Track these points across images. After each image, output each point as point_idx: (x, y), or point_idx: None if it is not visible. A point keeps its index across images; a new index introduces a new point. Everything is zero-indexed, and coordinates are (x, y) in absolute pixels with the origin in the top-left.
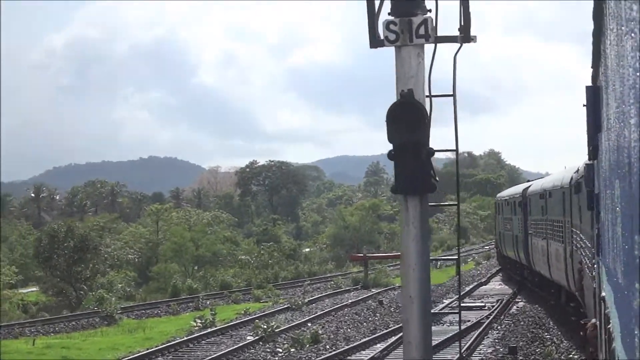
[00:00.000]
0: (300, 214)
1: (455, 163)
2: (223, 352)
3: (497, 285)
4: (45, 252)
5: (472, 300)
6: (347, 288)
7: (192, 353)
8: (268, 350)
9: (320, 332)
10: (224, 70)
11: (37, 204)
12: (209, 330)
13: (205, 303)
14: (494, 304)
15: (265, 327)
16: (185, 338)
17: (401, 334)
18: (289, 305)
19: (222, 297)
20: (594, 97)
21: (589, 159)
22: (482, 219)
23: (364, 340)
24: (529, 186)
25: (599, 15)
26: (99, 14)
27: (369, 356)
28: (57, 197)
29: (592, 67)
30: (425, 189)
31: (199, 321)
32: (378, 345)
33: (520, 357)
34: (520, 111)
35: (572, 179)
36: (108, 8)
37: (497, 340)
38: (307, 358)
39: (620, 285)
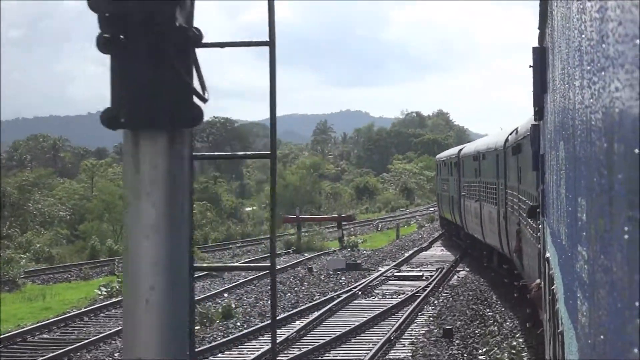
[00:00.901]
0: (245, 171)
1: (271, 148)
2: (116, 329)
3: (438, 252)
4: None
5: (410, 269)
6: (268, 255)
7: (84, 328)
8: None
9: (234, 305)
10: None
11: None
12: (112, 300)
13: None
14: (432, 273)
15: None
16: (82, 310)
17: (325, 308)
18: (207, 272)
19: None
20: (541, 59)
21: (535, 120)
22: (428, 180)
23: (282, 316)
24: (463, 148)
25: None
26: None
27: (284, 336)
28: None
29: (539, 29)
30: (182, 117)
31: (104, 289)
32: (296, 322)
33: (456, 340)
34: (470, 73)
35: (507, 140)
36: None
37: (432, 319)
38: (201, 339)
39: (564, 247)
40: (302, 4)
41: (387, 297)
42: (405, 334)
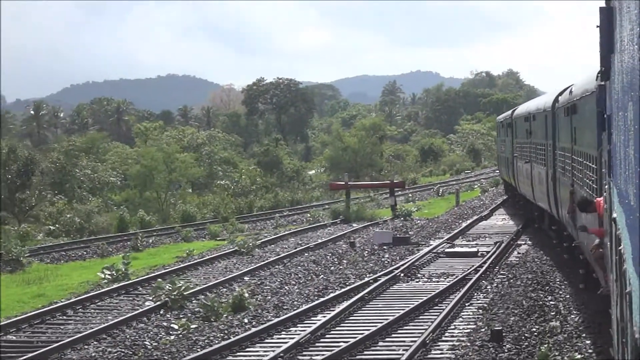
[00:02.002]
0: (310, 133)
1: None
2: (100, 326)
3: (499, 221)
4: None
5: (465, 242)
6: (322, 223)
7: (62, 326)
8: (163, 325)
9: (249, 294)
10: None
11: (37, 121)
12: (114, 286)
13: (147, 241)
14: (490, 248)
15: (170, 288)
16: (72, 299)
17: (356, 297)
18: (237, 248)
19: (170, 234)
20: (608, 19)
21: (601, 80)
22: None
23: (301, 309)
24: (516, 109)
25: None
26: None
27: (293, 339)
28: (62, 115)
29: None
30: None
31: (107, 272)
32: (317, 318)
33: (507, 345)
34: (539, 32)
35: (557, 101)
36: None
37: (481, 312)
38: (193, 342)
39: (632, 207)
40: None
41: (433, 280)
42: (446, 334)
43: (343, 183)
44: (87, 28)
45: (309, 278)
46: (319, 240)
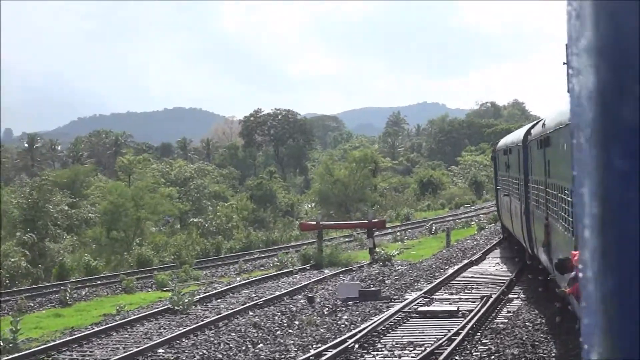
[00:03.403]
0: (310, 166)
1: None
2: None
3: (492, 266)
4: None
5: (446, 297)
6: (289, 269)
7: None
8: None
9: None
10: (248, 16)
11: (31, 154)
12: None
13: (80, 294)
14: (474, 306)
15: None
16: None
17: None
18: (170, 305)
19: (109, 284)
20: None
21: None
22: None
23: None
24: (498, 142)
25: None
26: None
27: None
28: (59, 148)
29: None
30: None
31: None
32: None
33: None
34: (544, 62)
35: (528, 134)
36: None
37: None
38: None
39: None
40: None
41: (394, 355)
42: None
43: (314, 223)
44: (95, 60)
45: (242, 349)
46: (277, 293)
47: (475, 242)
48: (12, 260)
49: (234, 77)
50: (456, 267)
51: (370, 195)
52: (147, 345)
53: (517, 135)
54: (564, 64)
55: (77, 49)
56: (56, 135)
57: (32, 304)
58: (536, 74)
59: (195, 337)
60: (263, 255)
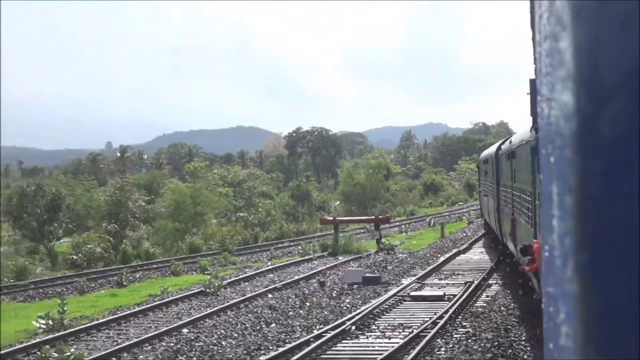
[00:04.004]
0: (339, 172)
1: None
2: None
3: (476, 255)
4: (14, 211)
5: (436, 281)
6: (310, 256)
7: None
8: None
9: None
10: (297, 58)
11: (122, 162)
12: (45, 337)
13: (134, 276)
14: (458, 290)
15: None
16: None
17: None
18: (203, 288)
19: (161, 268)
20: (534, 88)
21: (536, 133)
22: None
23: None
24: (481, 154)
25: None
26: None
27: None
28: (145, 157)
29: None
30: None
31: (42, 322)
32: None
33: None
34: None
35: (499, 149)
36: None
37: None
38: None
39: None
40: (394, 35)
41: (386, 335)
42: None
43: (331, 219)
44: (177, 88)
45: (257, 329)
46: (295, 277)
47: (464, 234)
48: (89, 246)
49: (282, 101)
50: (447, 255)
51: (384, 195)
52: (174, 326)
53: (492, 149)
54: (527, 94)
55: (163, 79)
56: (145, 147)
57: (94, 285)
58: (517, 100)
59: (217, 318)
60: (292, 244)
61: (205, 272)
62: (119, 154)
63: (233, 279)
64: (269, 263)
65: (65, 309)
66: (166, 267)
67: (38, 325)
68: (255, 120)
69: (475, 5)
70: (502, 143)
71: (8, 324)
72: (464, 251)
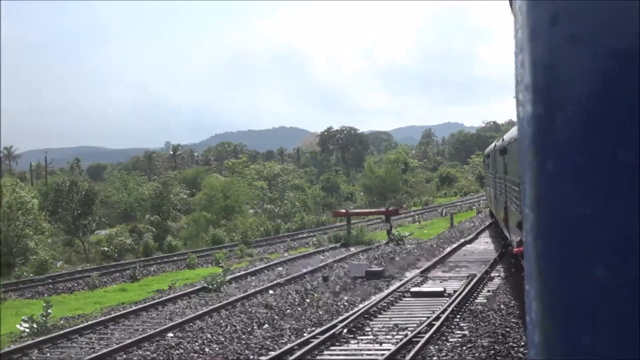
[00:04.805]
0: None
1: None
2: None
3: (482, 245)
4: (50, 206)
5: (439, 274)
6: (323, 248)
7: None
8: None
9: None
10: (333, 69)
11: (174, 159)
12: (27, 342)
13: (148, 270)
14: (460, 284)
15: None
16: None
17: None
18: (205, 285)
19: (178, 261)
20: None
21: None
22: None
23: None
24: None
25: None
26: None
27: None
28: (196, 154)
29: None
30: None
31: (25, 325)
32: None
33: None
34: None
35: (495, 146)
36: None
37: None
38: None
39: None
40: (415, 48)
41: (376, 341)
42: None
43: (344, 211)
44: (228, 94)
45: (247, 330)
46: (303, 270)
47: (472, 224)
48: (119, 239)
49: (319, 104)
50: (453, 245)
51: (402, 187)
52: (160, 329)
53: (492, 146)
54: (514, 97)
55: (217, 87)
56: (199, 146)
57: (106, 280)
58: None
59: (209, 319)
60: (311, 234)
61: (219, 265)
62: (171, 152)
63: (242, 272)
64: (286, 254)
65: (49, 311)
66: (182, 260)
67: (22, 328)
68: (296, 121)
69: (489, 6)
70: (499, 140)
71: (8, 323)
72: (470, 241)
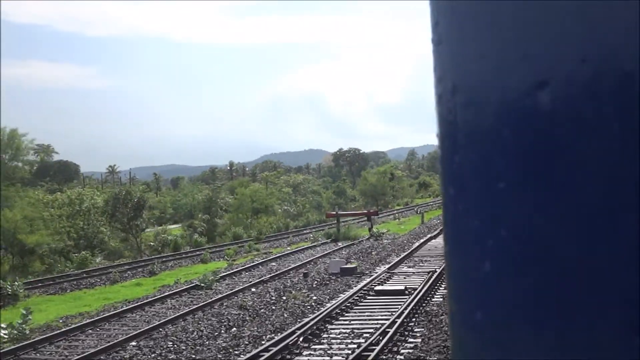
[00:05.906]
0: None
1: None
2: None
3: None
4: (109, 210)
5: (404, 270)
6: (317, 243)
7: None
8: None
9: None
10: (345, 106)
11: (230, 175)
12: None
13: (166, 265)
14: (421, 281)
15: None
16: None
17: None
18: (198, 282)
19: (191, 256)
20: None
21: None
22: None
23: None
24: None
25: None
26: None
27: None
28: (247, 169)
29: None
30: None
31: (4, 332)
32: None
33: None
34: None
35: None
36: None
37: None
38: None
39: None
40: (405, 91)
41: (328, 352)
42: None
43: (334, 212)
44: (272, 123)
45: (212, 336)
46: (292, 265)
47: (439, 220)
48: (162, 235)
49: (335, 132)
50: (421, 240)
51: (389, 191)
52: (126, 336)
53: None
54: None
55: (265, 119)
56: (251, 163)
57: (127, 275)
58: None
59: (183, 322)
60: (314, 230)
61: (227, 260)
62: (228, 168)
63: (239, 268)
64: (288, 248)
65: (29, 317)
66: (198, 255)
67: (1, 334)
68: (319, 144)
69: None
70: None
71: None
72: (435, 237)
